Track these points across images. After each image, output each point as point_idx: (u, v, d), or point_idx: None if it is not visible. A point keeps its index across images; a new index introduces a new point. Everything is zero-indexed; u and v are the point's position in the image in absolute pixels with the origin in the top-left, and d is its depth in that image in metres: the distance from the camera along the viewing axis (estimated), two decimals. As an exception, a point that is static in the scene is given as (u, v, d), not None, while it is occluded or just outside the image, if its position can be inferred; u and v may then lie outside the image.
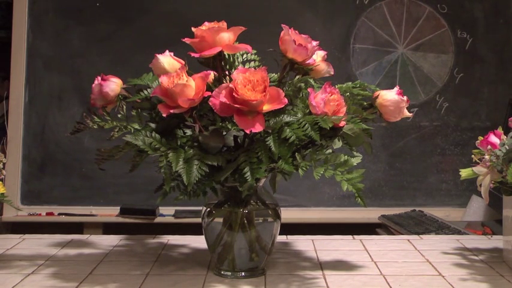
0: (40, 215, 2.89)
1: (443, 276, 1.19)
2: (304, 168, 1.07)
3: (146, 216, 2.84)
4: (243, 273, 1.18)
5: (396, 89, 1.20)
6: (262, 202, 1.20)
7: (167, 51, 1.17)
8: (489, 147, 1.19)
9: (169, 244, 1.42)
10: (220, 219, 1.19)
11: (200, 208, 1.22)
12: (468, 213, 2.77)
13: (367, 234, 1.55)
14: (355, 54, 2.97)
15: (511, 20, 2.98)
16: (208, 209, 1.20)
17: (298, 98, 1.15)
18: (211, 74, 1.13)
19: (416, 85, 2.97)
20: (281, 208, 1.22)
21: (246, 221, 1.17)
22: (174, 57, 1.16)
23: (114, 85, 1.18)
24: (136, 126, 1.12)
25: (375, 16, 2.97)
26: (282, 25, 1.14)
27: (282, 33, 1.14)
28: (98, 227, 2.87)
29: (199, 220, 1.22)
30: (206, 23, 1.13)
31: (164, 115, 1.07)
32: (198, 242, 1.40)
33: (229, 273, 1.18)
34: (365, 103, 1.21)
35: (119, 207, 2.86)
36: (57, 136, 2.92)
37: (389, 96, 1.19)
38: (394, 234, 2.45)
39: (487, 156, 1.19)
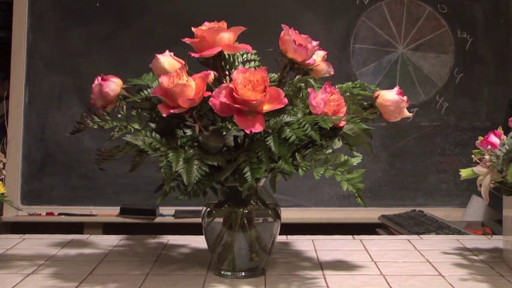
0: (40, 215, 2.89)
1: (443, 276, 1.19)
2: (304, 168, 1.07)
3: (146, 216, 2.84)
4: (243, 273, 1.18)
5: (396, 89, 1.20)
6: (262, 202, 1.20)
7: (167, 51, 1.17)
8: (489, 147, 1.19)
9: (169, 244, 1.42)
10: (220, 219, 1.19)
11: (200, 208, 1.22)
12: (468, 213, 2.77)
13: (367, 234, 1.55)
14: (355, 54, 2.97)
15: (511, 20, 2.98)
16: (208, 209, 1.20)
17: (298, 98, 1.15)
18: (211, 74, 1.13)
19: (416, 85, 2.97)
20: (281, 208, 1.22)
21: (246, 221, 1.17)
22: (174, 57, 1.16)
23: (114, 85, 1.18)
24: (137, 126, 1.12)
25: (375, 16, 2.97)
26: (282, 25, 1.14)
27: (282, 33, 1.14)
28: (98, 227, 2.88)
29: (199, 220, 1.22)
30: (206, 23, 1.13)
31: (164, 115, 1.07)
32: (198, 242, 1.40)
33: (229, 273, 1.18)
34: (365, 103, 1.21)
35: (119, 207, 2.86)
36: (57, 136, 2.92)
37: (389, 96, 1.19)
38: (394, 234, 2.45)
39: (487, 156, 1.19)
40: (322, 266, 1.25)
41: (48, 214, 2.89)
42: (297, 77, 1.18)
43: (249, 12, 2.90)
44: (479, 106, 2.98)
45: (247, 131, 1.05)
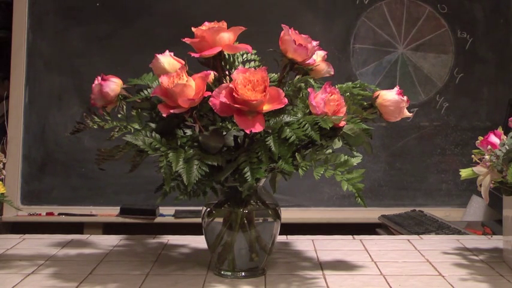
0: (40, 215, 2.89)
1: (443, 276, 1.19)
2: (304, 168, 1.07)
3: (146, 216, 2.84)
4: (243, 273, 1.18)
5: (396, 89, 1.20)
6: (262, 202, 1.20)
7: (167, 51, 1.17)
8: (489, 147, 1.19)
9: (169, 244, 1.42)
10: (220, 219, 1.19)
11: (200, 208, 1.22)
12: (468, 213, 2.77)
13: (367, 234, 1.55)
14: (355, 54, 2.97)
15: (511, 20, 2.98)
16: (208, 209, 1.20)
17: (298, 98, 1.15)
18: (211, 74, 1.13)
19: (416, 85, 2.97)
20: (281, 208, 1.22)
21: (246, 221, 1.17)
22: (174, 57, 1.16)
23: (114, 85, 1.18)
24: (137, 126, 1.12)
25: (374, 16, 2.97)
26: (282, 25, 1.14)
27: (282, 33, 1.14)
28: (98, 227, 2.88)
29: (199, 220, 1.22)
30: (206, 23, 1.13)
31: (164, 115, 1.07)
32: (198, 242, 1.40)
33: (229, 273, 1.18)
34: (365, 103, 1.21)
35: (119, 207, 2.86)
36: (57, 136, 2.92)
37: (389, 96, 1.19)
38: (394, 234, 2.45)
39: (487, 156, 1.19)
40: (322, 266, 1.25)
41: (48, 214, 2.89)
42: (297, 77, 1.18)
43: (249, 12, 2.90)
44: (479, 106, 2.98)
45: (247, 131, 1.05)
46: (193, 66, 1.13)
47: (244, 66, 1.18)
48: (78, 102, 2.92)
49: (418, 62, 2.98)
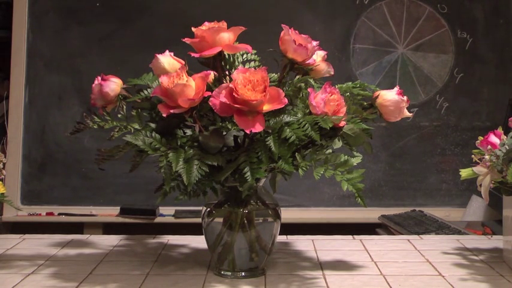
0: (40, 215, 2.89)
1: (443, 276, 1.19)
2: (304, 168, 1.07)
3: (146, 216, 2.84)
4: (243, 273, 1.18)
5: (396, 89, 1.20)
6: (262, 202, 1.20)
7: (167, 51, 1.17)
8: (489, 147, 1.19)
9: (169, 244, 1.42)
10: (220, 219, 1.19)
11: (200, 208, 1.22)
12: (468, 213, 2.77)
13: (367, 234, 1.55)
14: (355, 54, 2.97)
15: (511, 20, 2.98)
16: (208, 209, 1.20)
17: (298, 98, 1.15)
18: (211, 74, 1.13)
19: (416, 85, 2.97)
20: (281, 208, 1.22)
21: (246, 221, 1.17)
22: (174, 57, 1.16)
23: (114, 85, 1.18)
24: (137, 126, 1.12)
25: (374, 16, 2.97)
26: (282, 25, 1.14)
27: (282, 33, 1.14)
28: (98, 227, 2.88)
29: (199, 220, 1.22)
30: (206, 23, 1.13)
31: (164, 115, 1.07)
32: (198, 242, 1.40)
33: (229, 273, 1.18)
34: (365, 103, 1.21)
35: (119, 207, 2.86)
36: (57, 136, 2.92)
37: (389, 96, 1.19)
38: (394, 234, 2.45)
39: (487, 156, 1.19)
40: (322, 266, 1.25)
41: (48, 214, 2.89)
42: (297, 77, 1.18)
43: (249, 12, 2.90)
44: (479, 106, 2.98)
45: (247, 131, 1.05)
46: (193, 66, 1.13)
47: (244, 66, 1.18)
48: (78, 102, 2.92)
49: (418, 62, 2.98)
